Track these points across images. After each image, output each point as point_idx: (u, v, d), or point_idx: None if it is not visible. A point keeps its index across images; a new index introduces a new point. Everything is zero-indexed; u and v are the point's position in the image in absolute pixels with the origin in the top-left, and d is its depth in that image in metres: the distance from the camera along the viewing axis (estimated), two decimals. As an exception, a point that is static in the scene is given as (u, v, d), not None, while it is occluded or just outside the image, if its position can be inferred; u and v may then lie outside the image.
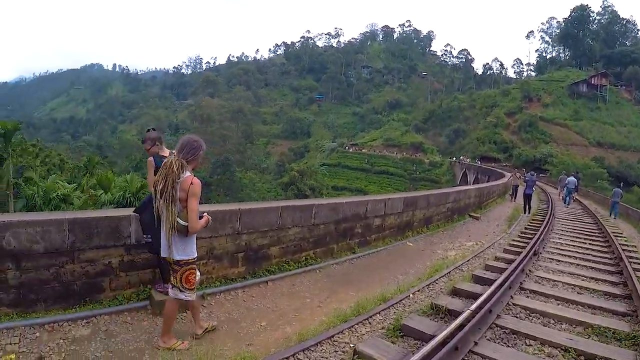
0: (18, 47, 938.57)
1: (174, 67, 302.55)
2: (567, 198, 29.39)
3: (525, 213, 22.62)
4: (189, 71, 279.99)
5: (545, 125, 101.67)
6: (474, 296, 7.32)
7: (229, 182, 76.87)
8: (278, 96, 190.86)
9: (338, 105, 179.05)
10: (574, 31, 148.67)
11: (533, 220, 19.63)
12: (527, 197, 23.08)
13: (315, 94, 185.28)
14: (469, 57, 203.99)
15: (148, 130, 6.53)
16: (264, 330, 6.27)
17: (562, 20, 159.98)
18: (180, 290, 5.29)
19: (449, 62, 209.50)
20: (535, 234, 14.62)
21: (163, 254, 5.31)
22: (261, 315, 6.79)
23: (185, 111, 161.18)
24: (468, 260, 10.90)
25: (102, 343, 5.41)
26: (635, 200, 63.32)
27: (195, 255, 5.37)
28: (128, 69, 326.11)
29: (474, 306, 6.36)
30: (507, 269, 9.00)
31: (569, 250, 12.83)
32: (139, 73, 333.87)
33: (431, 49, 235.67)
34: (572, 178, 30.23)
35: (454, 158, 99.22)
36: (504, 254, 11.32)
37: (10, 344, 5.18)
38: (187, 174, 5.08)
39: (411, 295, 7.65)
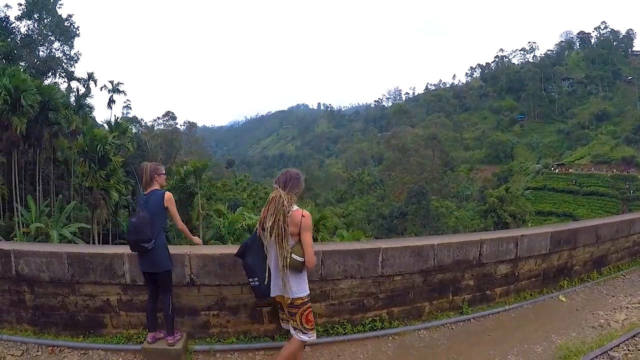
0: (230, 95, 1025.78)
1: (375, 101, 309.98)
2: None
3: None
4: (389, 103, 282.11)
5: None
6: None
7: (424, 211, 75.26)
8: (478, 120, 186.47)
9: (541, 123, 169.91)
10: None
11: None
12: None
13: (516, 114, 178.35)
14: None
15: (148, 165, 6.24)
16: None
17: None
18: (303, 332, 5.17)
19: None
20: None
21: (274, 293, 5.20)
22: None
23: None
24: (636, 335, 7.19)
25: (77, 378, 5.46)
26: None
27: (309, 292, 5.25)
28: (332, 107, 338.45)
29: None
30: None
31: None
32: (342, 109, 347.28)
33: (633, 49, 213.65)
34: None
35: None
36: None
37: (13, 355, 5.94)
38: (295, 207, 5.05)
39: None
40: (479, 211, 78.24)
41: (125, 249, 6.36)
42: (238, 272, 6.35)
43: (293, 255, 4.93)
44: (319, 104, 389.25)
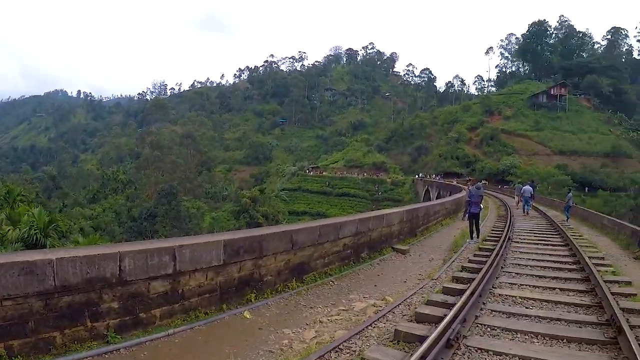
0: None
1: (139, 94, 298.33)
2: (526, 206, 30.70)
3: (472, 238, 17.48)
4: (154, 97, 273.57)
5: (507, 137, 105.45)
6: None
7: (174, 212, 72.52)
8: (241, 121, 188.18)
9: (301, 128, 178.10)
10: (533, 45, 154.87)
11: (481, 248, 14.92)
12: (473, 218, 17.80)
13: (278, 118, 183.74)
14: (431, 76, 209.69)
15: None
16: None
17: (520, 37, 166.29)
18: None
19: (412, 82, 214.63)
20: (474, 277, 9.67)
21: None
22: None
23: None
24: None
25: None
26: (601, 203, 70.61)
27: None
28: (92, 96, 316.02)
29: None
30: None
31: (528, 301, 8.81)
32: (104, 100, 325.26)
33: (394, 69, 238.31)
34: (527, 187, 32.06)
35: (417, 176, 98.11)
36: (387, 348, 6.40)
37: None
38: None
39: None
40: (233, 212, 77.52)
41: None
42: None
43: None
44: (79, 91, 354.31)
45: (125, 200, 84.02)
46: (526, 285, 10.12)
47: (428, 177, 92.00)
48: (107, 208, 78.76)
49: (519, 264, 12.39)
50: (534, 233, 19.62)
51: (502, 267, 11.80)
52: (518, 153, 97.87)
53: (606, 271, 11.73)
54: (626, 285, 10.52)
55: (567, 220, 26.81)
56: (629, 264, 14.52)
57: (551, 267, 12.13)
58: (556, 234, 19.35)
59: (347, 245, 12.44)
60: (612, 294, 8.96)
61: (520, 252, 14.49)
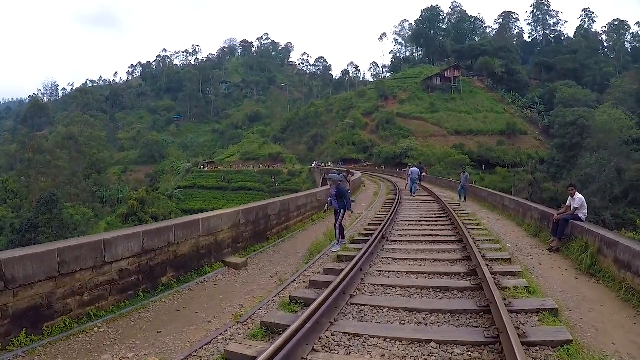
0: None
1: (30, 96, 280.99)
2: (413, 187, 31.27)
3: (337, 241, 12.78)
4: (45, 99, 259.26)
5: (403, 121, 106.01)
6: None
7: (57, 221, 66.23)
8: (135, 119, 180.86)
9: (197, 123, 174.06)
10: (426, 31, 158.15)
11: (341, 256, 10.82)
12: (335, 215, 12.95)
13: (173, 114, 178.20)
14: (327, 64, 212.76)
15: None
16: None
17: (413, 22, 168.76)
18: None
19: (307, 71, 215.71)
20: (294, 321, 5.66)
21: None
22: None
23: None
24: None
25: None
26: (500, 180, 74.58)
27: None
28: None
29: None
30: None
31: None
32: None
33: (290, 60, 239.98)
34: (414, 169, 32.84)
35: (312, 164, 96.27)
36: None
37: None
38: None
39: None
40: (121, 215, 72.06)
41: None
42: None
43: None
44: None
45: (10, 211, 77.14)
46: (378, 338, 5.71)
47: (324, 165, 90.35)
48: (-11, 223, 71.67)
49: (383, 285, 8.08)
50: (420, 224, 16.02)
51: (352, 295, 7.43)
52: (414, 136, 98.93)
53: (516, 287, 7.63)
54: (551, 318, 6.26)
55: (463, 200, 27.35)
56: (545, 263, 10.47)
57: (432, 288, 7.78)
58: (448, 224, 15.47)
59: (129, 270, 8.04)
60: (529, 345, 5.16)
61: (394, 258, 10.34)
